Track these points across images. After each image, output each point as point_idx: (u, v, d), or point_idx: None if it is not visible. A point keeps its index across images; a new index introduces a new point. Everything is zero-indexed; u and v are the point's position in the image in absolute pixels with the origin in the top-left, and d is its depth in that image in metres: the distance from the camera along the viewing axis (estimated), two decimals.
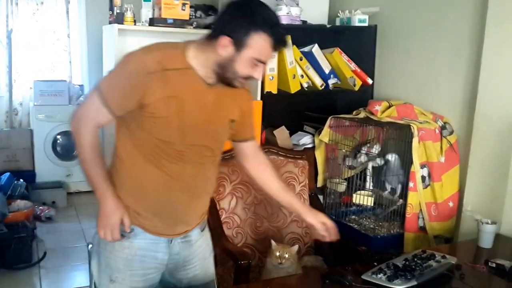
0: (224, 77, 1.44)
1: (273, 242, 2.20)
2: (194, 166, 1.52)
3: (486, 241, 2.11)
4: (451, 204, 2.55)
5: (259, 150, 1.79)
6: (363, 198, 2.59)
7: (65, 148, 4.77)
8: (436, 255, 1.84)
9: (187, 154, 1.49)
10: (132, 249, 1.54)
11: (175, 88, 1.41)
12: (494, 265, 1.88)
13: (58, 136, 4.70)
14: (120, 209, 1.50)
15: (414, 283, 1.62)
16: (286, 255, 2.16)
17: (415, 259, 1.79)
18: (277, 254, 2.14)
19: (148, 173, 1.49)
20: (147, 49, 1.43)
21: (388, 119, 2.61)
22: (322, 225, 1.66)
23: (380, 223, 2.61)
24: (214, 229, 2.25)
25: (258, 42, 1.38)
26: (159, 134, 1.45)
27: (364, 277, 1.68)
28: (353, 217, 2.73)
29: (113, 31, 2.44)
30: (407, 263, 1.76)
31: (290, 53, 2.88)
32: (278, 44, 1.42)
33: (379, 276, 1.67)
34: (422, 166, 2.48)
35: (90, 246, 2.06)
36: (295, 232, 2.60)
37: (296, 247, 2.21)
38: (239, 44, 1.38)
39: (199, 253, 1.69)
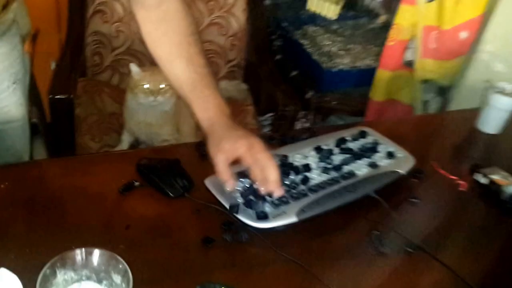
0: None
1: (133, 66, 1.33)
2: None
3: (493, 123, 1.12)
4: (463, 35, 1.55)
5: None
6: (324, 5, 1.58)
7: None
8: (380, 146, 0.93)
9: None
10: None
11: None
12: (487, 181, 0.93)
13: None
14: None
15: (294, 219, 0.75)
16: (162, 86, 1.34)
17: (340, 149, 0.90)
18: (146, 86, 1.31)
19: None
20: None
21: None
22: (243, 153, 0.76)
23: (349, 46, 1.67)
24: None
25: None
26: None
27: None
28: (312, 28, 1.76)
29: None
30: (318, 157, 0.87)
31: None
32: None
33: (243, 182, 0.79)
34: None
35: None
36: (215, 41, 1.69)
37: None
38: None
39: None
